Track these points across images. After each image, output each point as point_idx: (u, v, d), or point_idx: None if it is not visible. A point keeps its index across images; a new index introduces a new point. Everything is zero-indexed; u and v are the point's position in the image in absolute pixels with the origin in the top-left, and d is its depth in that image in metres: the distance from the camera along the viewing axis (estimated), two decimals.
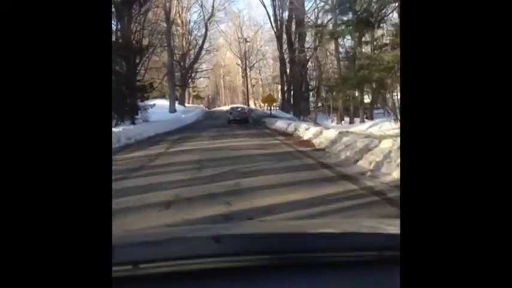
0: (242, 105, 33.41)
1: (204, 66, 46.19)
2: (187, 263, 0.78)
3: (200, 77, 45.67)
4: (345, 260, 0.81)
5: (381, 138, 8.87)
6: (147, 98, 23.02)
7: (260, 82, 60.21)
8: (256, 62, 53.93)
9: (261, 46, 54.09)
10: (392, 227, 0.91)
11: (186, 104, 42.52)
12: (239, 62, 62.88)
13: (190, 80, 45.21)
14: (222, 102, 73.76)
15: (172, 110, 30.41)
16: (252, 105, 50.16)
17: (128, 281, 0.74)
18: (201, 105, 52.66)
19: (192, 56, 39.39)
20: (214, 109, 58.57)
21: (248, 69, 53.14)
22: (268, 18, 35.31)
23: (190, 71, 39.19)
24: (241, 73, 64.79)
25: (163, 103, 30.17)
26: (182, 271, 0.77)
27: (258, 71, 56.32)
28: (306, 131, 14.08)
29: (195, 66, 42.16)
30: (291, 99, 30.71)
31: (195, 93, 52.22)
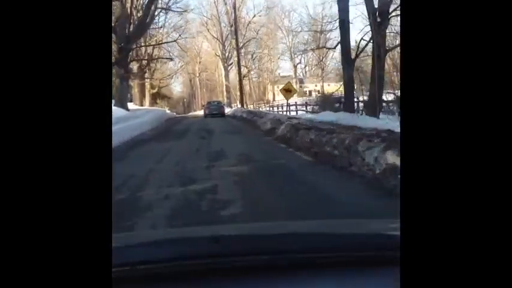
0: (219, 100, 30.85)
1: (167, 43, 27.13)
2: (186, 263, 0.77)
3: (157, 58, 26.67)
4: (345, 260, 0.80)
5: None
6: None
7: (250, 75, 42.37)
8: (248, 41, 35.91)
9: (255, 16, 36.21)
10: (392, 227, 0.87)
11: (134, 106, 24.10)
12: (219, 52, 45.27)
13: (146, 67, 26.86)
14: (199, 105, 56.52)
15: None
16: (241, 106, 31.93)
17: (126, 282, 0.73)
18: (165, 109, 34.12)
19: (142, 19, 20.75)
20: (187, 114, 40.23)
21: (232, 55, 35.18)
22: None
23: (135, 44, 20.53)
24: (221, 66, 47.45)
25: None
26: (181, 272, 0.76)
27: (249, 58, 38.36)
28: None
29: (149, 39, 23.72)
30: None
31: (154, 90, 33.52)
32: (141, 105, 27.94)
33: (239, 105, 32.63)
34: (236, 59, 33.37)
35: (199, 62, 62.55)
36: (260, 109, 28.74)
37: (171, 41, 25.16)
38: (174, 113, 34.44)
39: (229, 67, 43.29)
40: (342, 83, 15.48)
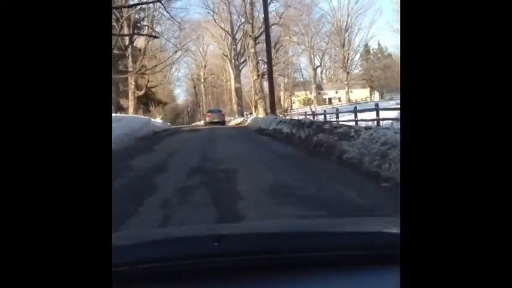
0: (219, 108, 29.80)
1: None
2: (186, 263, 0.76)
3: (134, 33, 17.06)
4: (345, 259, 0.78)
5: None
6: None
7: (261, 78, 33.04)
8: (270, 26, 26.49)
9: None
10: (392, 226, 0.86)
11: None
12: (227, 51, 36.49)
13: (125, 50, 17.62)
14: (203, 114, 47.60)
15: None
16: (272, 113, 22.44)
17: (126, 281, 0.72)
18: (157, 118, 24.71)
19: None
20: (186, 126, 31.66)
21: (248, 46, 25.83)
22: None
23: None
24: (230, 68, 38.66)
25: None
26: (181, 271, 0.75)
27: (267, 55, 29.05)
28: None
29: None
30: None
31: (141, 92, 23.95)
32: (117, 111, 18.60)
33: (261, 114, 23.24)
34: (252, 50, 24.12)
35: (205, 67, 54.15)
36: (293, 118, 19.22)
37: (153, 1, 15.31)
38: (168, 124, 25.26)
39: (242, 65, 34.07)
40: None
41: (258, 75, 24.10)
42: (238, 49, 33.22)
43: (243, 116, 32.14)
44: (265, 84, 27.63)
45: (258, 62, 24.79)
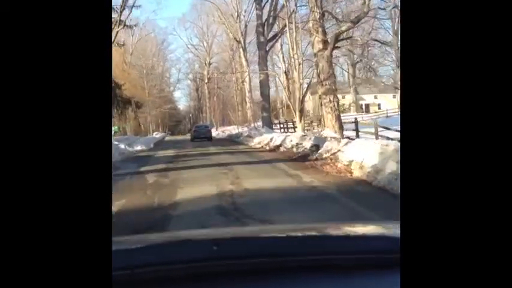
0: (206, 124, 30.64)
1: None
2: (185, 266, 0.76)
3: None
4: (345, 263, 0.78)
5: None
6: None
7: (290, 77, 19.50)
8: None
9: None
10: (393, 230, 0.86)
11: None
12: (239, 35, 23.60)
13: None
14: (207, 122, 35.66)
15: None
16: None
17: (125, 285, 0.72)
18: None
19: None
20: (169, 144, 19.18)
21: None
22: None
23: None
24: (243, 58, 25.88)
25: None
26: (180, 275, 0.76)
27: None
28: None
29: None
30: None
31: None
32: None
33: (331, 127, 9.73)
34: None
35: (209, 64, 40.82)
36: None
37: None
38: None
39: (270, 45, 20.54)
40: None
41: (326, 43, 10.64)
42: (265, 17, 19.72)
43: (270, 127, 18.61)
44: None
45: (323, 15, 11.31)
